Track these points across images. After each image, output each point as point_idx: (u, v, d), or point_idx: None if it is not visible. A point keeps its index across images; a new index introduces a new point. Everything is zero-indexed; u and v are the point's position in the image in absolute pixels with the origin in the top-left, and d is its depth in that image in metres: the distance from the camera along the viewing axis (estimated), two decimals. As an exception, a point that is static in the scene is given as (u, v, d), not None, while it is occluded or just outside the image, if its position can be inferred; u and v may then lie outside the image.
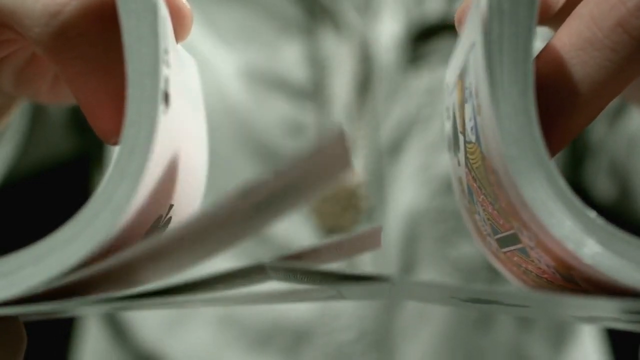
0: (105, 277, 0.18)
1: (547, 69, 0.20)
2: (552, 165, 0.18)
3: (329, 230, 0.52)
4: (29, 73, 0.25)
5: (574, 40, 0.19)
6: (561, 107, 0.19)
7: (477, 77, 0.19)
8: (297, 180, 0.16)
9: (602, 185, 0.55)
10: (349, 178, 0.19)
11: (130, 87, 0.18)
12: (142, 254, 0.17)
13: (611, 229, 0.18)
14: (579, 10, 0.20)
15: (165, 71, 0.18)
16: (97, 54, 0.19)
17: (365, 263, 0.51)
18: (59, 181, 0.59)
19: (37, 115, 0.52)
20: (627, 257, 0.17)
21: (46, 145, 0.55)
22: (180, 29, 0.21)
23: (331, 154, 0.16)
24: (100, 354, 0.55)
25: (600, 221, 0.18)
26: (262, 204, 0.16)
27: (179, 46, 0.22)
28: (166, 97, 0.19)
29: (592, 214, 0.18)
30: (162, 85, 0.18)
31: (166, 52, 0.19)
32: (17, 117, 0.50)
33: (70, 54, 0.19)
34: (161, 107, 0.18)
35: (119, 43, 0.19)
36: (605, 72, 0.19)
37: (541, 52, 0.20)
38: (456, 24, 0.22)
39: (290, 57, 0.52)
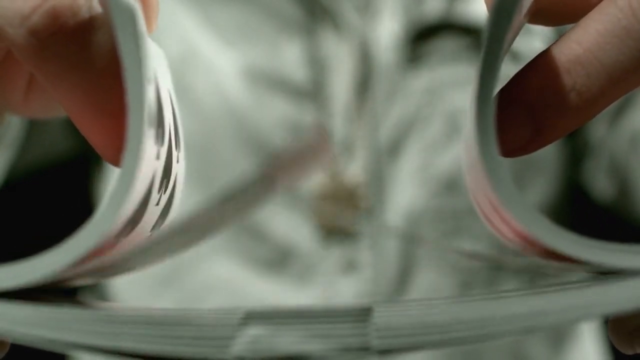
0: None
1: (567, 55, 0.20)
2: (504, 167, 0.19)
3: (329, 230, 0.52)
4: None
5: (610, 26, 0.20)
6: (577, 98, 0.20)
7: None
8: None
9: (602, 184, 0.55)
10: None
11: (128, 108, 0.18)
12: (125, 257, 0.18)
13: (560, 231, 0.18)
14: (617, 1, 0.20)
15: (150, 93, 0.19)
16: (70, 53, 0.20)
17: (364, 264, 0.52)
18: (58, 181, 0.59)
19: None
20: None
21: (46, 145, 0.55)
22: (147, 20, 0.21)
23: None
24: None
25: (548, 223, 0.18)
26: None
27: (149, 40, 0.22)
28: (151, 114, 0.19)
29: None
30: (147, 104, 0.18)
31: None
32: (16, 118, 0.50)
33: (43, 53, 0.19)
34: (147, 125, 0.18)
35: (93, 44, 0.19)
36: (635, 62, 0.19)
37: (560, 40, 0.20)
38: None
39: (290, 57, 0.52)
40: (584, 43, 0.20)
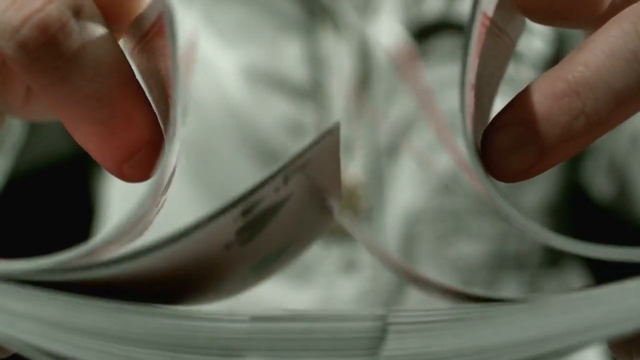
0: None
1: (576, 77, 0.19)
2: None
3: (329, 230, 0.52)
4: None
5: (617, 49, 0.19)
6: (584, 120, 0.19)
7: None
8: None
9: (601, 184, 0.55)
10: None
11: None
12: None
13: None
14: (622, 24, 0.20)
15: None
16: (60, 65, 0.20)
17: (364, 263, 0.52)
18: (58, 181, 0.59)
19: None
20: None
21: (46, 145, 0.55)
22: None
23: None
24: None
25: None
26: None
27: None
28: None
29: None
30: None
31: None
32: (17, 121, 0.50)
33: (34, 66, 0.20)
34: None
35: (83, 56, 0.20)
36: None
37: (565, 62, 0.20)
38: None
39: (290, 56, 0.52)
40: (591, 65, 0.19)
